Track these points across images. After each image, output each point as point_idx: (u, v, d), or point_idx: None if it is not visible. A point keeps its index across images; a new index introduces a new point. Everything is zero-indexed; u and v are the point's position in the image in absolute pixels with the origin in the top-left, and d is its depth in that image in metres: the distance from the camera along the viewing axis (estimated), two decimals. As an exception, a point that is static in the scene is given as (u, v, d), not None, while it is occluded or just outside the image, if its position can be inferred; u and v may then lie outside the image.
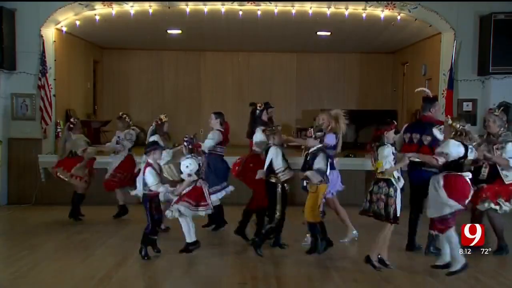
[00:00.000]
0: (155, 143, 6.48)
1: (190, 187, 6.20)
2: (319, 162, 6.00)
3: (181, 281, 5.66)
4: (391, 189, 5.38)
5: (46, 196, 9.43)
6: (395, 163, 5.42)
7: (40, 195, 9.69)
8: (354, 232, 6.94)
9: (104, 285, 5.31)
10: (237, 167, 7.05)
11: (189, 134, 6.53)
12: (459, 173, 5.45)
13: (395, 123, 5.67)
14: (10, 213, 9.27)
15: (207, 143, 7.23)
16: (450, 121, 5.58)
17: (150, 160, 6.15)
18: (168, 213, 6.20)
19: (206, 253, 6.42)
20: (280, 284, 5.40)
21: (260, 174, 6.36)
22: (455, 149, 5.41)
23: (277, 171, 6.23)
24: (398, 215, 5.42)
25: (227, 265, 6.14)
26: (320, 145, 6.11)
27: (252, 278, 5.58)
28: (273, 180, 6.27)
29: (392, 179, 5.40)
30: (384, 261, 5.63)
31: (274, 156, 6.23)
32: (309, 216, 6.19)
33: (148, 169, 6.08)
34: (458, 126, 5.45)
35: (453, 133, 5.48)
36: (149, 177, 6.06)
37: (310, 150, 6.12)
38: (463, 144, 5.42)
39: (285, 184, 6.29)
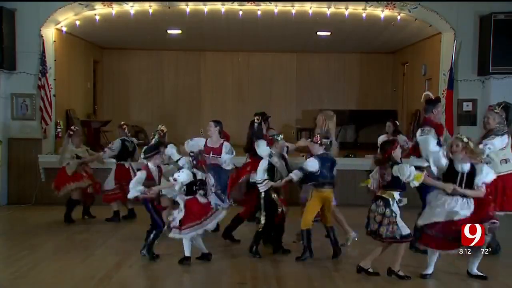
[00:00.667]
0: (156, 147, 6.35)
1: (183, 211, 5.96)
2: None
3: (181, 281, 5.67)
4: (388, 210, 5.35)
5: (46, 196, 9.42)
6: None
7: (40, 195, 9.69)
8: (353, 233, 6.79)
9: (104, 285, 5.32)
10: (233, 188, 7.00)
11: (196, 151, 6.36)
12: None
13: (397, 141, 5.65)
14: (10, 213, 9.27)
15: (228, 158, 7.20)
16: (466, 140, 5.41)
17: (149, 164, 6.11)
18: (171, 235, 6.05)
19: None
20: (280, 284, 5.40)
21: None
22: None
23: (257, 182, 6.30)
24: (400, 234, 5.33)
25: (227, 265, 6.14)
26: (327, 152, 6.16)
27: (252, 278, 5.58)
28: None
29: (390, 200, 5.38)
30: (396, 273, 5.53)
31: (261, 167, 6.25)
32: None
33: (140, 172, 6.05)
34: (471, 144, 5.41)
35: (465, 151, 5.37)
36: (134, 179, 6.02)
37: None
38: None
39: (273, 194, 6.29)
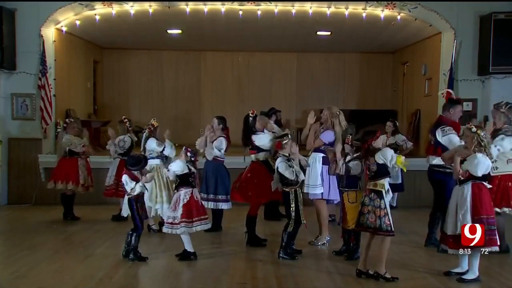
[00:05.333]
0: (140, 160, 6.20)
1: (185, 201, 6.02)
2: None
3: (181, 281, 5.67)
4: (382, 201, 5.33)
5: (46, 196, 9.43)
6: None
7: (40, 195, 9.69)
8: (328, 238, 6.86)
9: (104, 285, 5.32)
10: (237, 191, 6.93)
11: (193, 149, 6.33)
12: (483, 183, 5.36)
13: (379, 132, 5.64)
14: (10, 213, 9.28)
15: (216, 153, 7.19)
16: (474, 129, 5.34)
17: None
18: (165, 230, 6.13)
19: (206, 253, 6.43)
20: (280, 284, 5.40)
21: (274, 185, 6.26)
22: (484, 167, 5.27)
23: (291, 182, 6.15)
24: (392, 227, 5.32)
25: (227, 265, 6.13)
26: (358, 154, 6.06)
27: (252, 278, 5.58)
28: (286, 189, 6.19)
29: (383, 191, 5.36)
30: (384, 276, 5.42)
31: (282, 169, 6.12)
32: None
33: (124, 176, 6.08)
34: (482, 134, 5.33)
35: (476, 143, 5.29)
36: (126, 184, 6.06)
37: (348, 159, 6.09)
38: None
39: (298, 189, 6.22)
